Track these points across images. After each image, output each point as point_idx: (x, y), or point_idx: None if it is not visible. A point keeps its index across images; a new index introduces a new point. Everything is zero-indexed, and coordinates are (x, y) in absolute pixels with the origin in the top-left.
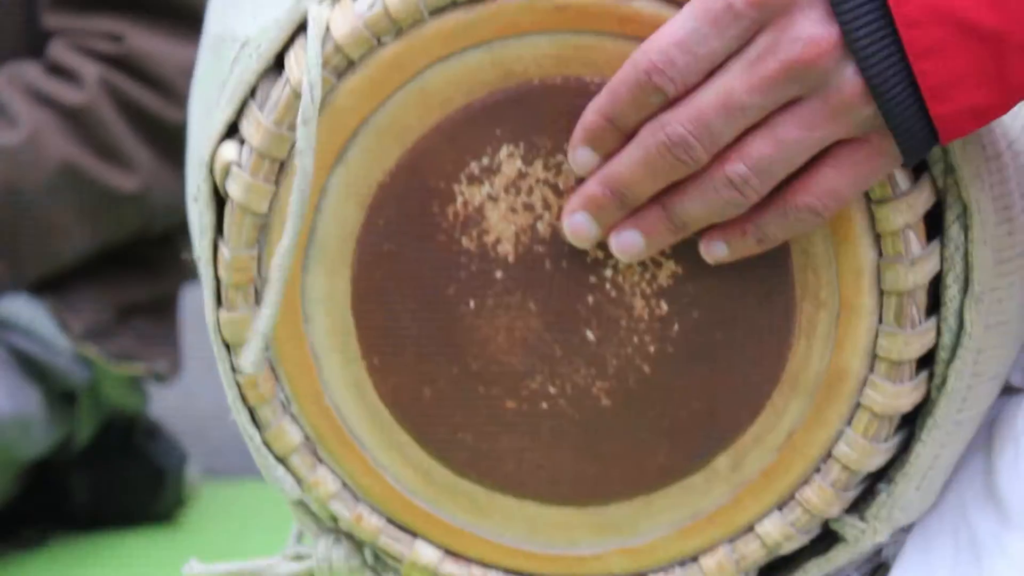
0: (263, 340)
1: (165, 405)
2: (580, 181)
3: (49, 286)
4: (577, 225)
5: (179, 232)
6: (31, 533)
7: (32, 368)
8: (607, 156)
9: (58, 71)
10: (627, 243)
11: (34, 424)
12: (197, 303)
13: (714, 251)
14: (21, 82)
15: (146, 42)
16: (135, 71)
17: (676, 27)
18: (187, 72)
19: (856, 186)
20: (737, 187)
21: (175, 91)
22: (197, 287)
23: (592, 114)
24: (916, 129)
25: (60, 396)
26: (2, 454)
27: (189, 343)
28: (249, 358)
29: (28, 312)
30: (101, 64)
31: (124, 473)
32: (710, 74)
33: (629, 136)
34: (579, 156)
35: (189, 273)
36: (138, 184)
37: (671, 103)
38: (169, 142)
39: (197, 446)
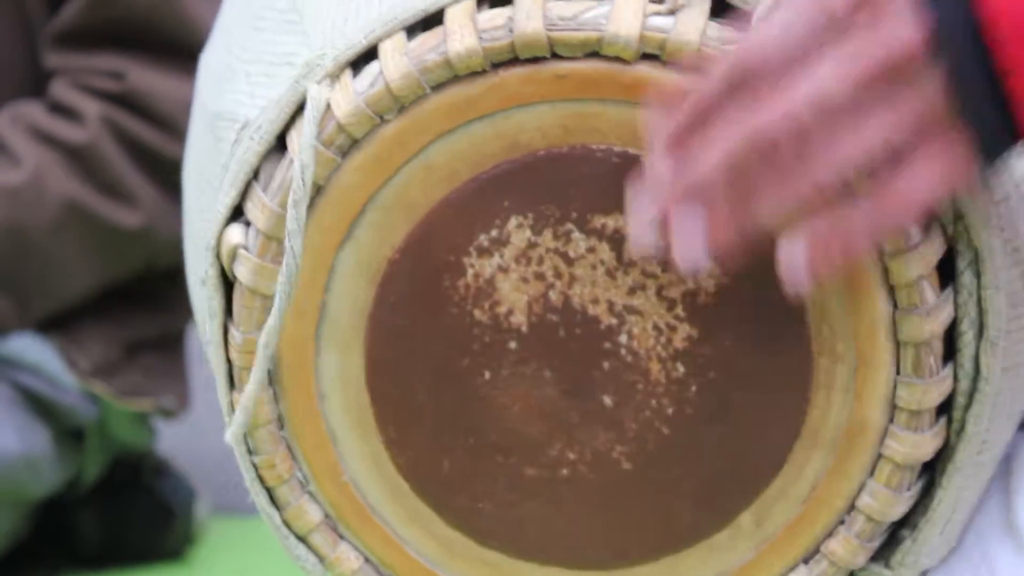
0: (246, 415)
1: (174, 442)
2: (591, 250)
3: (56, 324)
4: (639, 238)
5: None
6: (41, 572)
7: (40, 406)
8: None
9: (60, 110)
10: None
11: (43, 463)
12: None
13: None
14: (23, 122)
15: (147, 79)
16: (136, 108)
17: (773, 24)
18: (188, 108)
19: (945, 183)
20: (818, 186)
21: (176, 127)
22: None
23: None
24: (999, 133)
25: (68, 434)
26: (11, 493)
27: (197, 380)
28: (232, 430)
29: (35, 350)
30: (102, 102)
31: (133, 511)
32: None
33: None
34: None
35: None
36: (142, 220)
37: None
38: (171, 178)
39: (206, 483)
